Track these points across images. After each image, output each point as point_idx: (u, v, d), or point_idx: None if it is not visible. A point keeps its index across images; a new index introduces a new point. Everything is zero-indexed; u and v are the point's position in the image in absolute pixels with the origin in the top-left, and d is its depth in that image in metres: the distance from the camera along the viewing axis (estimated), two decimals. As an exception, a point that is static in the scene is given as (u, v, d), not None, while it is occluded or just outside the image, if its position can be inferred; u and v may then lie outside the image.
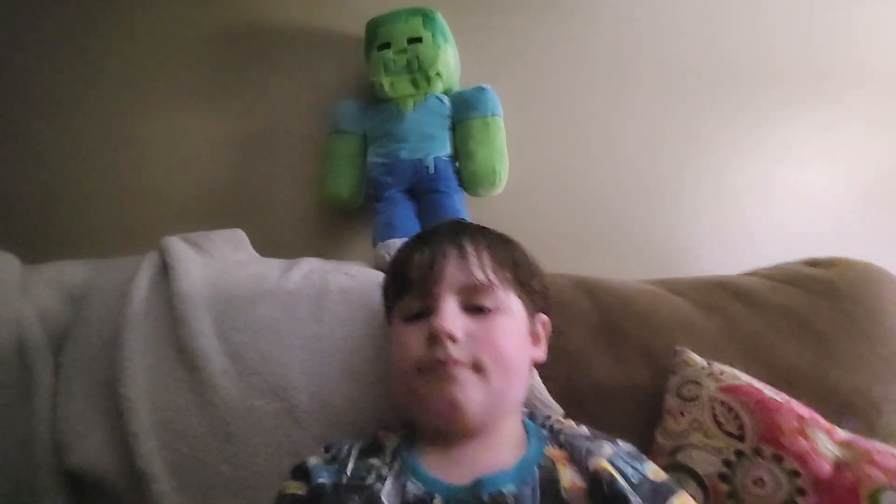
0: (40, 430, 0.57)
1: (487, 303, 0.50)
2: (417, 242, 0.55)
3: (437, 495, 0.43)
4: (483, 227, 0.57)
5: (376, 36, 0.90)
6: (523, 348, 0.52)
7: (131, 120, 1.04)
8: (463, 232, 0.54)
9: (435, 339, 0.47)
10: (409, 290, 0.51)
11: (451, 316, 0.48)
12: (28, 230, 0.97)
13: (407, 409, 0.54)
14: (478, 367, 0.47)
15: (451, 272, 0.50)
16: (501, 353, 0.48)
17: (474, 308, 0.50)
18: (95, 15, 1.06)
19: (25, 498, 0.55)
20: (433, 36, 0.88)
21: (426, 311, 0.50)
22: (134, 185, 1.02)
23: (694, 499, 0.49)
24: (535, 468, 0.45)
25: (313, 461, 0.48)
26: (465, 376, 0.46)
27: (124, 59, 1.05)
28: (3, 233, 0.73)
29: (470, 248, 0.51)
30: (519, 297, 0.53)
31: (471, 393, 0.46)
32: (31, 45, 1.06)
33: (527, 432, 0.51)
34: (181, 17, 1.06)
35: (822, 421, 0.52)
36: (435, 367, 0.47)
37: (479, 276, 0.50)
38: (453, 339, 0.47)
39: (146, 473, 0.54)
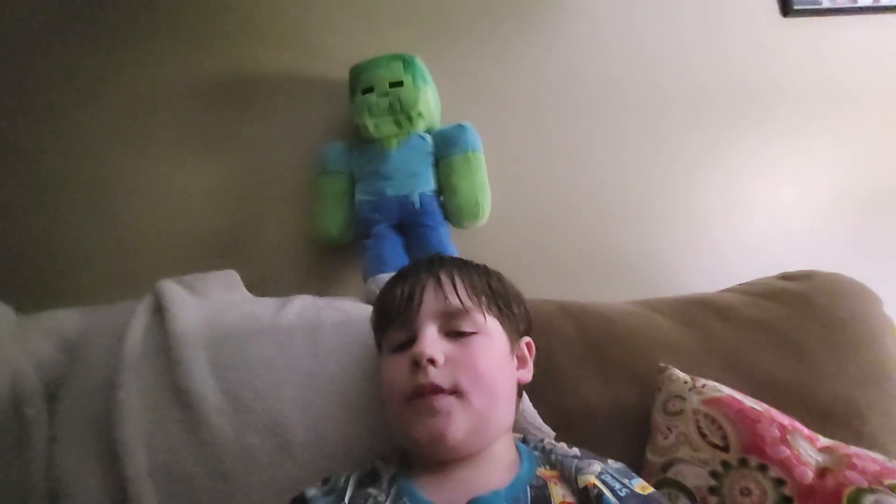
0: (35, 480, 0.56)
1: (465, 327, 0.52)
2: (398, 278, 0.58)
3: None
4: (459, 259, 0.61)
5: (360, 81, 0.95)
6: (504, 369, 0.54)
7: (123, 167, 1.06)
8: (439, 264, 0.58)
9: (418, 364, 0.49)
10: (392, 322, 0.54)
11: (431, 341, 0.50)
12: (22, 279, 0.98)
13: (400, 439, 0.55)
14: (458, 391, 0.49)
15: (429, 301, 0.53)
16: (480, 373, 0.50)
17: (454, 333, 0.52)
18: (88, 63, 1.10)
19: (19, 550, 0.54)
20: (413, 79, 0.93)
21: (410, 340, 0.52)
22: (127, 231, 1.04)
23: (686, 513, 0.50)
24: (528, 487, 0.46)
25: (311, 492, 0.49)
26: (447, 405, 0.48)
27: (116, 108, 1.08)
28: (-2, 284, 0.74)
29: (445, 278, 0.55)
30: (498, 320, 0.56)
31: (454, 421, 0.48)
32: (24, 93, 1.09)
33: (519, 455, 0.52)
34: (172, 66, 1.10)
35: (803, 429, 0.54)
36: (419, 397, 0.49)
37: (454, 301, 0.53)
38: (434, 362, 0.49)
39: (142, 518, 0.54)
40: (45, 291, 0.97)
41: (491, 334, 0.54)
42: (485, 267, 0.61)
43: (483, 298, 0.55)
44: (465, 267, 0.58)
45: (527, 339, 0.61)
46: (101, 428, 0.59)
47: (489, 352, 0.52)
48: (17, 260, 1.02)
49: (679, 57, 1.12)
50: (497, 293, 0.57)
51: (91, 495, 0.56)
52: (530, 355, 0.60)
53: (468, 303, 0.53)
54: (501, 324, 0.56)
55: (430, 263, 0.58)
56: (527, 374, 0.59)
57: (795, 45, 1.14)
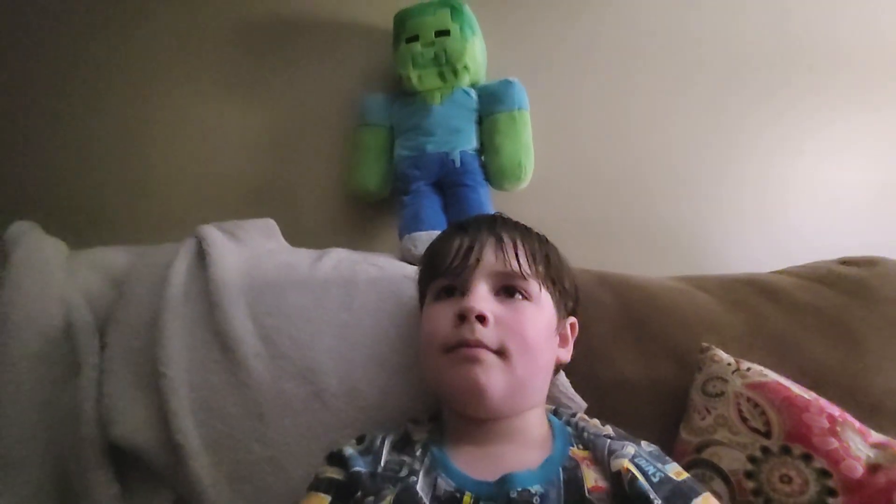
0: (86, 405, 0.60)
1: (519, 290, 0.51)
2: (457, 230, 0.57)
3: (466, 491, 0.44)
4: (521, 223, 0.59)
5: (404, 28, 0.90)
6: (548, 342, 0.53)
7: (165, 112, 1.07)
8: (502, 224, 0.56)
9: (464, 318, 0.48)
10: (445, 271, 0.53)
11: (482, 298, 0.49)
12: (73, 219, 1.01)
13: (433, 388, 0.55)
14: (502, 352, 0.48)
15: (488, 258, 0.52)
16: (526, 339, 0.49)
17: (505, 295, 0.51)
18: (129, 8, 1.09)
19: (72, 468, 0.58)
20: (461, 29, 0.89)
21: (458, 291, 0.52)
22: (170, 176, 1.06)
23: (719, 495, 0.49)
24: (560, 469, 0.46)
25: (349, 450, 0.50)
26: (490, 359, 0.48)
27: (156, 51, 1.08)
28: (51, 221, 0.76)
29: (507, 239, 0.53)
30: (550, 293, 0.54)
31: (493, 376, 0.47)
32: (71, 40, 1.09)
33: (552, 430, 0.52)
34: (212, 9, 1.08)
35: (854, 422, 0.51)
36: (461, 347, 0.48)
37: (514, 264, 0.52)
38: (483, 319, 0.48)
39: (184, 448, 0.57)
40: (93, 230, 1.00)
41: (542, 305, 0.53)
42: (545, 237, 0.59)
43: (541, 268, 0.54)
44: (527, 233, 0.57)
45: (572, 319, 0.59)
46: (147, 362, 0.62)
47: (538, 321, 0.51)
48: (67, 201, 1.05)
49: (744, 19, 1.02)
50: (554, 266, 0.56)
51: (137, 424, 0.59)
52: (573, 336, 0.59)
53: (527, 269, 0.52)
54: (552, 297, 0.54)
55: (492, 221, 0.57)
56: (565, 354, 0.57)
57: (875, 8, 1.01)
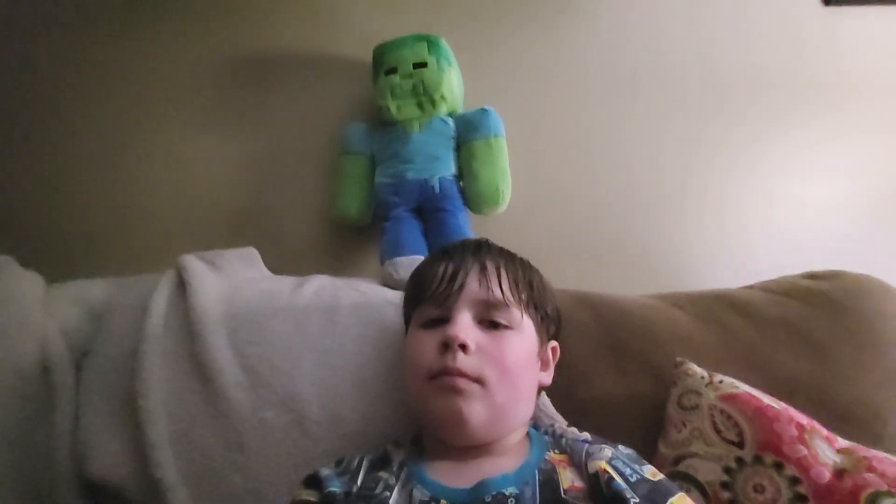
0: (61, 441, 0.59)
1: (501, 319, 0.52)
2: (442, 255, 0.57)
3: (442, 499, 0.45)
4: (505, 249, 0.60)
5: (383, 61, 0.94)
6: (530, 369, 0.54)
7: (146, 143, 1.08)
8: (486, 251, 0.57)
9: (447, 346, 0.49)
10: (429, 298, 0.53)
11: (465, 327, 0.50)
12: (52, 252, 1.00)
13: (417, 414, 0.56)
14: (482, 381, 0.49)
15: (471, 286, 0.52)
16: (506, 368, 0.50)
17: (488, 323, 0.52)
18: (113, 43, 1.11)
19: (46, 507, 0.57)
20: (437, 61, 0.92)
21: (443, 319, 0.52)
22: (151, 207, 1.06)
23: (696, 503, 0.50)
24: (536, 471, 0.46)
25: (325, 471, 0.50)
26: (470, 389, 0.48)
27: (141, 86, 1.10)
28: (29, 254, 0.76)
29: (491, 266, 0.54)
30: (532, 319, 0.55)
31: (474, 406, 0.48)
32: (52, 69, 1.10)
33: (529, 440, 0.53)
34: (196, 43, 1.10)
35: (821, 429, 0.53)
36: (443, 376, 0.49)
37: (497, 293, 0.52)
38: (465, 348, 0.49)
39: (162, 482, 0.56)
40: (73, 263, 0.99)
41: (524, 332, 0.53)
42: (528, 262, 0.60)
43: (523, 295, 0.54)
44: (511, 259, 0.57)
45: (553, 343, 0.60)
46: (125, 395, 0.61)
47: (519, 349, 0.52)
48: (46, 232, 1.05)
49: (716, 47, 1.08)
50: (537, 291, 0.56)
51: (114, 458, 0.58)
52: (554, 359, 0.60)
53: (510, 297, 0.53)
54: (534, 323, 0.55)
55: (477, 248, 0.57)
56: (547, 378, 0.58)
57: (837, 36, 1.08)
